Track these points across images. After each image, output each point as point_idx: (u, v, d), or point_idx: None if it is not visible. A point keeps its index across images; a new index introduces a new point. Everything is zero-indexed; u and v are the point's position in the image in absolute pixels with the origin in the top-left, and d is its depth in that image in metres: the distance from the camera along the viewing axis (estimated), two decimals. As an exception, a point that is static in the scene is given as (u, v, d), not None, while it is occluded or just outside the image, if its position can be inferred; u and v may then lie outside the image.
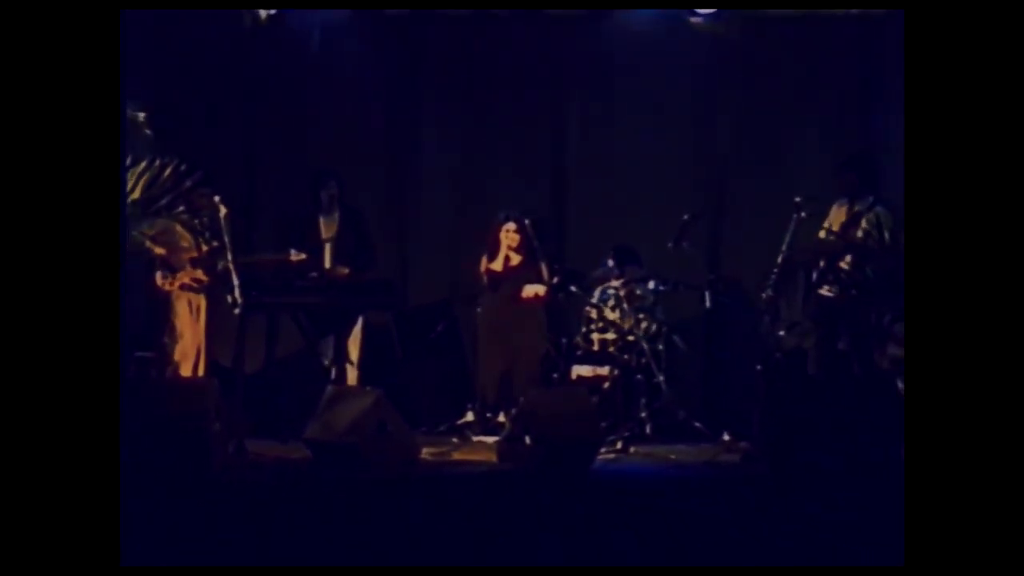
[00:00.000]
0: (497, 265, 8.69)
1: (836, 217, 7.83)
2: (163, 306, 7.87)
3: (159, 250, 7.78)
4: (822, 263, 7.65)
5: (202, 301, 7.91)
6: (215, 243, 7.64)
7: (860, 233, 7.64)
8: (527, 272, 8.63)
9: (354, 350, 8.46)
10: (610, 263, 8.54)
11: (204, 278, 7.79)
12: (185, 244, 7.86)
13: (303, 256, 8.04)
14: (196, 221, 7.70)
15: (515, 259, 8.67)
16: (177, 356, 7.86)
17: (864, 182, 7.82)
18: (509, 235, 8.65)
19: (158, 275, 7.83)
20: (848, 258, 7.65)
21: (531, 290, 8.55)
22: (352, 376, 8.35)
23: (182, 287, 7.86)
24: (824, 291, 7.63)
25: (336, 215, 8.58)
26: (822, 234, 7.75)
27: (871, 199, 7.77)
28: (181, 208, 7.12)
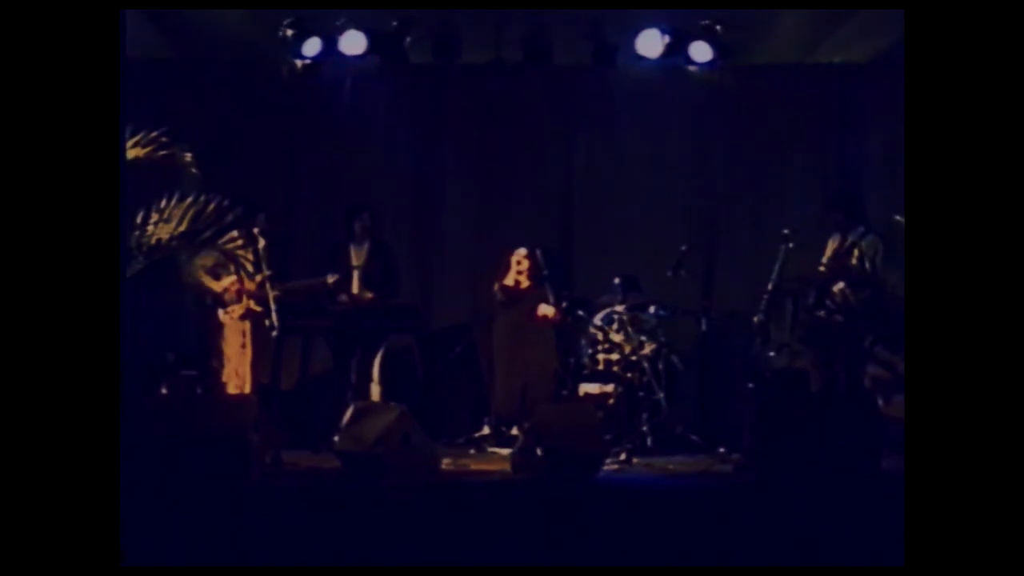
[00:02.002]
0: (509, 281, 8.70)
1: (831, 250, 7.83)
2: (213, 332, 7.88)
3: (211, 282, 7.83)
4: (814, 290, 7.63)
5: (248, 327, 7.92)
6: (259, 276, 7.64)
7: (854, 261, 7.62)
8: (535, 297, 8.62)
9: (378, 369, 8.46)
10: (616, 289, 8.54)
11: (257, 308, 7.77)
12: (232, 275, 7.87)
13: (338, 277, 8.14)
14: (241, 252, 7.71)
15: (524, 284, 8.68)
16: (225, 378, 7.87)
17: (850, 217, 7.83)
18: (519, 259, 8.67)
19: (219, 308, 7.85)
20: (840, 284, 7.62)
21: (543, 310, 8.56)
22: (375, 393, 8.35)
23: (240, 317, 7.88)
24: (821, 314, 7.60)
25: (367, 245, 8.60)
26: (821, 268, 7.74)
27: (862, 229, 7.79)
28: (231, 236, 7.12)
